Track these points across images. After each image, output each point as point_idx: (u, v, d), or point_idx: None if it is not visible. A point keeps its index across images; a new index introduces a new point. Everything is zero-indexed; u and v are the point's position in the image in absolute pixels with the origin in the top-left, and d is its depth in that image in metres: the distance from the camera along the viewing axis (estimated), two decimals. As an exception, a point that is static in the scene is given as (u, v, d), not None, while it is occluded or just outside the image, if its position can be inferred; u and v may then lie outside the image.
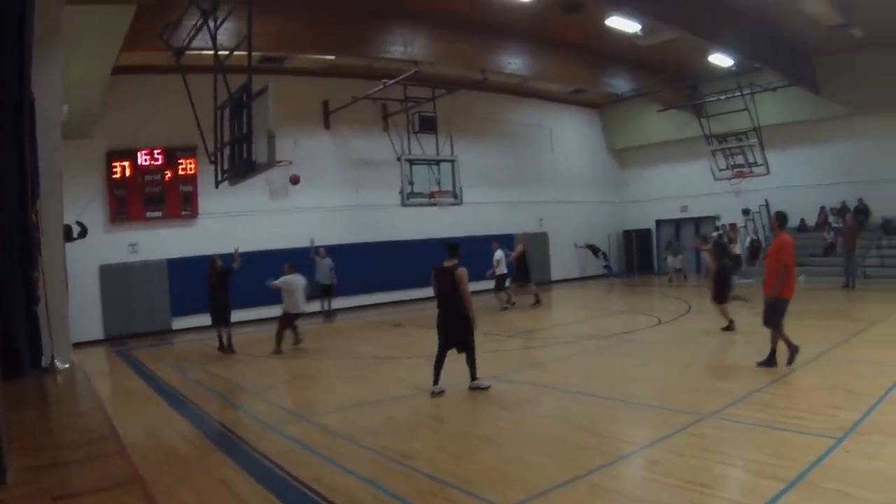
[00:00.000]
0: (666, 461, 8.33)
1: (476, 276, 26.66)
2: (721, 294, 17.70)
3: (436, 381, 12.77)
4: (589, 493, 7.57)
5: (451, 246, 13.16)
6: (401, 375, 15.03)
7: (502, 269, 24.73)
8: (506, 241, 32.62)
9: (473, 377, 12.89)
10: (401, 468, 8.70)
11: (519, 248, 25.04)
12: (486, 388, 12.76)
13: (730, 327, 17.38)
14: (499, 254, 24.73)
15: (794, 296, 12.83)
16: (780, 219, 13.21)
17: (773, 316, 12.74)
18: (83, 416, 11.46)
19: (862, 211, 29.82)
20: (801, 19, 23.42)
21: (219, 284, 18.66)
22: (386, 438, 10.09)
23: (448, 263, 12.81)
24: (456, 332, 12.74)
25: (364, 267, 28.02)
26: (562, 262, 36.53)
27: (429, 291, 26.41)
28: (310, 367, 16.60)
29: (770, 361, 12.72)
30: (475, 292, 13.78)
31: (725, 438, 9.08)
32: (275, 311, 22.44)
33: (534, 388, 13.00)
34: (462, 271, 12.62)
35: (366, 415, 11.81)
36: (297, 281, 18.61)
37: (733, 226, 25.93)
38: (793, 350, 12.59)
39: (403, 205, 25.05)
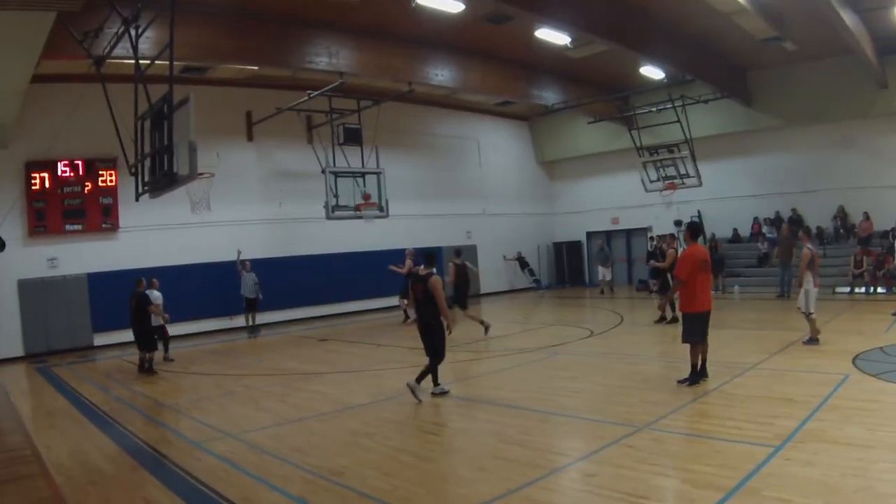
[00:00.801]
0: (602, 474, 8.41)
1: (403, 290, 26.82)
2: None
3: (435, 382, 13.38)
4: (524, 507, 7.64)
5: (429, 255, 13.79)
6: (327, 391, 15.01)
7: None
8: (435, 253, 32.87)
9: (435, 382, 13.38)
10: (330, 485, 8.71)
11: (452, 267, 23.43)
12: (446, 392, 13.27)
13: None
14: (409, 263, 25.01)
15: (707, 308, 12.73)
16: (692, 230, 13.31)
17: (686, 332, 12.84)
18: (2, 436, 11.33)
19: (796, 221, 30.20)
20: (734, 33, 23.84)
21: (137, 309, 18.35)
22: (314, 455, 10.10)
23: (423, 271, 13.35)
24: (430, 337, 13.19)
25: (289, 281, 27.87)
26: (490, 275, 36.43)
27: (355, 305, 26.25)
28: (235, 384, 16.42)
29: (693, 379, 12.66)
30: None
31: (662, 449, 9.19)
32: (196, 327, 22.47)
33: (464, 403, 13.04)
34: (436, 279, 12.98)
35: (293, 432, 11.79)
36: None
37: (671, 236, 26.12)
38: (694, 374, 12.70)
39: (328, 218, 24.92)
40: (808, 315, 16.29)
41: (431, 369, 13.26)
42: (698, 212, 33.70)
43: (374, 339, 22.51)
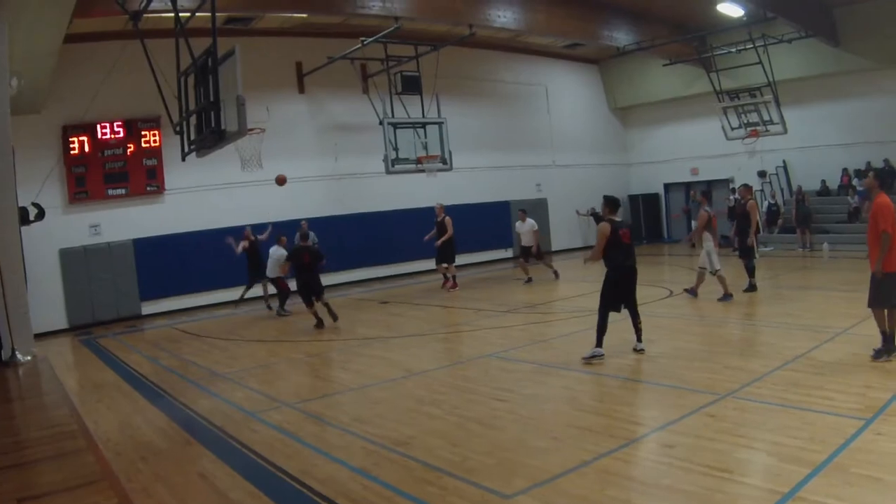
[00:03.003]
0: (682, 445, 8.33)
1: (473, 246, 26.81)
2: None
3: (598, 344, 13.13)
4: (599, 479, 7.58)
5: (611, 199, 13.41)
6: (390, 357, 15.05)
7: (529, 241, 24.98)
8: (500, 209, 32.68)
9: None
10: (394, 456, 8.75)
11: (449, 229, 24.42)
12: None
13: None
14: (529, 223, 25.02)
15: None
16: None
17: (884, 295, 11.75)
18: (49, 412, 11.52)
19: (889, 172, 28.92)
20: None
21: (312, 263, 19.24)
22: (377, 425, 10.15)
23: (617, 218, 13.20)
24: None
25: (347, 240, 27.85)
26: (563, 230, 36.32)
27: (417, 266, 26.14)
28: (291, 351, 16.58)
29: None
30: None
31: (745, 420, 9.07)
32: (251, 291, 22.67)
33: (536, 368, 12.99)
34: (603, 226, 12.99)
35: (354, 400, 11.85)
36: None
37: (745, 187, 25.40)
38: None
39: (388, 172, 24.73)
40: (715, 273, 18.18)
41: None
42: (784, 162, 33.24)
43: (438, 301, 22.61)
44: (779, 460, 7.57)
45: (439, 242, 24.22)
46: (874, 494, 6.56)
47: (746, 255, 19.41)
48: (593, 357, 12.78)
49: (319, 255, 19.57)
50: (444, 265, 24.81)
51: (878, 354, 11.20)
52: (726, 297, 18.16)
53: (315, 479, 8.13)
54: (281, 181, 22.36)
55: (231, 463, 8.97)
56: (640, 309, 13.30)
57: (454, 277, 24.68)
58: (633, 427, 9.36)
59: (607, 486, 7.41)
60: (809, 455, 7.53)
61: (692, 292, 18.96)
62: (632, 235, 13.12)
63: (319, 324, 18.94)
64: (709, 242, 18.28)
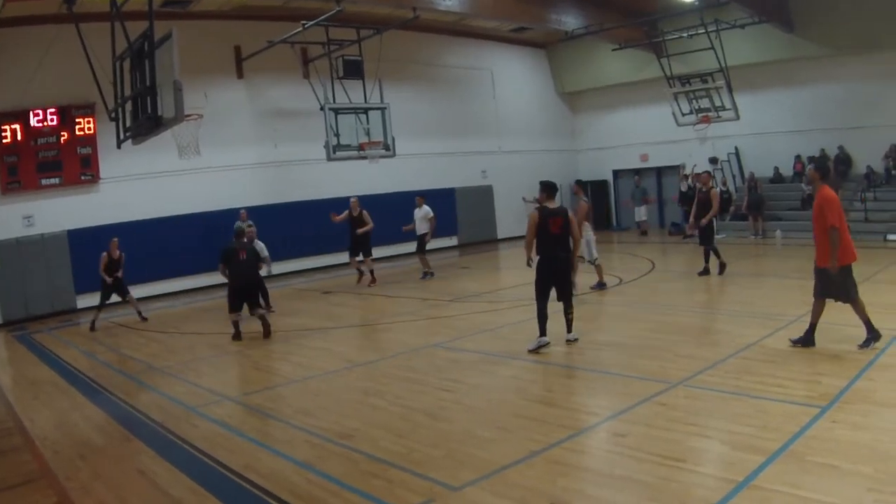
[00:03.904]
0: (634, 434, 8.46)
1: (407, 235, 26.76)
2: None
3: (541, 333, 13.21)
4: (549, 470, 7.70)
5: (550, 185, 13.44)
6: (333, 348, 15.13)
7: (424, 229, 24.55)
8: (445, 196, 32.71)
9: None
10: (339, 449, 8.82)
11: (368, 222, 23.78)
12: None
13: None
14: (425, 210, 24.55)
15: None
16: (823, 170, 12.49)
17: (840, 288, 11.77)
18: (-18, 409, 11.46)
19: (843, 160, 29.71)
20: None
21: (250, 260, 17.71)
22: (321, 417, 10.22)
23: (553, 204, 13.22)
24: (568, 276, 13.41)
25: (287, 229, 27.64)
26: (509, 217, 36.19)
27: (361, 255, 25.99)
28: (231, 344, 16.51)
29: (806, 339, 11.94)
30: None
31: (698, 408, 9.22)
32: (189, 283, 22.57)
33: (483, 357, 13.12)
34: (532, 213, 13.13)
35: (297, 392, 11.90)
36: None
37: (707, 174, 25.39)
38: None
39: (329, 159, 24.70)
40: (593, 262, 19.03)
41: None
42: (735, 148, 33.57)
43: (382, 291, 22.60)
44: (733, 448, 7.73)
45: (360, 231, 23.61)
46: (831, 482, 6.70)
47: (708, 240, 19.91)
48: (539, 347, 12.89)
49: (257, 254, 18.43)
50: (360, 259, 24.40)
51: (796, 342, 11.67)
52: (600, 285, 19.16)
53: (258, 474, 8.18)
54: None
55: (171, 459, 8.98)
56: (590, 296, 13.42)
57: (372, 272, 24.20)
58: (584, 416, 9.51)
59: (558, 476, 7.53)
60: (764, 443, 7.68)
61: (601, 285, 19.27)
62: (566, 224, 13.02)
63: (237, 335, 16.95)
64: (588, 232, 18.76)
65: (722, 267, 19.80)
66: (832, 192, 11.46)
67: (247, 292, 17.27)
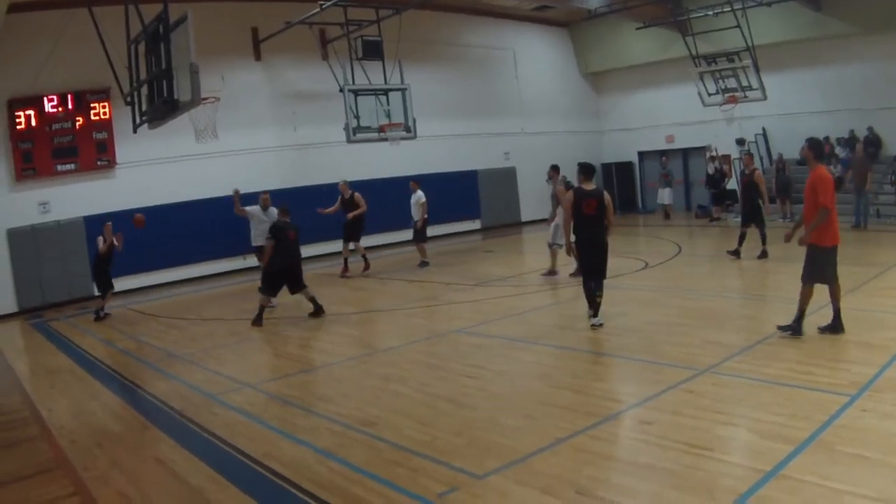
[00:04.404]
0: (660, 421, 8.40)
1: (439, 217, 26.63)
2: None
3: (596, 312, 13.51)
4: (575, 458, 7.64)
5: (587, 166, 13.70)
6: (354, 334, 15.17)
7: (416, 215, 24.06)
8: (467, 179, 32.65)
9: (596, 312, 13.62)
10: (361, 437, 8.80)
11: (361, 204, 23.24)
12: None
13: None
14: (417, 195, 24.13)
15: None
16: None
17: (816, 270, 11.68)
18: (-1, 398, 11.48)
19: (873, 142, 29.35)
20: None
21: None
22: (342, 404, 10.20)
23: (589, 186, 13.41)
24: (603, 256, 13.61)
25: (308, 213, 27.51)
26: (532, 200, 35.98)
27: (384, 238, 26.11)
28: (252, 330, 16.44)
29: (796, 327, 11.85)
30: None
31: (725, 395, 9.15)
32: (207, 268, 22.56)
33: (507, 343, 13.10)
34: (567, 194, 13.77)
35: (318, 379, 11.93)
36: None
37: (726, 157, 25.18)
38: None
39: (349, 141, 24.59)
40: (551, 246, 19.39)
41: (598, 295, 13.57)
42: (763, 129, 33.14)
43: (404, 275, 22.64)
44: (761, 437, 7.63)
45: (351, 215, 23.16)
46: (861, 472, 6.61)
47: (760, 222, 20.01)
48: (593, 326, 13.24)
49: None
50: (351, 245, 23.73)
51: (785, 329, 11.57)
52: (550, 273, 19.59)
53: (279, 462, 8.16)
54: (139, 221, 21.12)
55: (190, 447, 8.98)
56: (615, 280, 13.42)
57: (365, 257, 23.87)
58: (609, 404, 9.41)
59: (583, 464, 7.46)
60: (792, 432, 7.59)
61: (551, 273, 19.65)
62: (601, 206, 13.14)
63: (258, 321, 16.64)
64: (560, 217, 18.27)
65: (763, 253, 19.55)
66: (826, 172, 11.55)
67: (293, 273, 16.94)
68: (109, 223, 19.73)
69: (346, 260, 23.92)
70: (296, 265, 17.02)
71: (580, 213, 13.08)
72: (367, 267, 23.70)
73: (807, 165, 11.87)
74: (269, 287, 16.94)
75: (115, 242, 19.19)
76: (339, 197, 23.62)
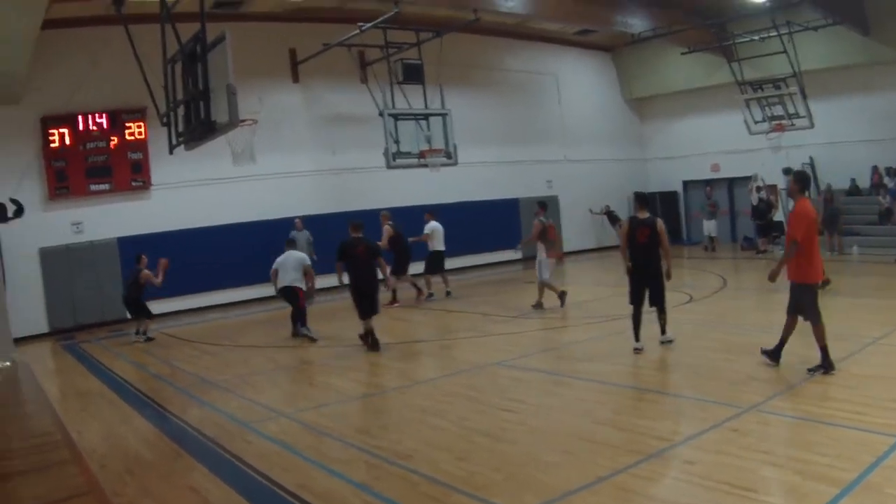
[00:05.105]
0: (702, 461, 8.33)
1: (479, 247, 26.59)
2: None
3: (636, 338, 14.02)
4: (615, 497, 7.60)
5: (643, 196, 14.77)
6: (392, 364, 15.13)
7: (437, 245, 24.04)
8: (509, 207, 32.62)
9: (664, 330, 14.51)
10: (397, 470, 8.78)
11: (388, 230, 23.14)
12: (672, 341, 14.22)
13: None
14: (432, 225, 24.11)
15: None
16: (801, 181, 12.40)
17: (804, 307, 11.98)
18: (30, 420, 11.52)
19: None
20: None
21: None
22: (379, 437, 10.18)
23: (643, 214, 14.21)
24: (658, 281, 14.28)
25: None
26: (575, 230, 35.96)
27: (422, 267, 26.11)
28: (289, 357, 16.62)
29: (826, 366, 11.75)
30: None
31: (770, 435, 9.08)
32: (243, 294, 22.60)
33: (547, 377, 13.11)
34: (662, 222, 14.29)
35: (355, 410, 11.92)
36: None
37: (773, 188, 24.96)
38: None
39: (389, 167, 24.47)
40: (540, 282, 20.24)
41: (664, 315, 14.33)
42: (810, 158, 32.55)
43: (443, 306, 22.58)
44: (805, 479, 7.54)
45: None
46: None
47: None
48: (635, 350, 13.75)
49: (376, 249, 17.32)
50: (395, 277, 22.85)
51: (766, 353, 12.22)
52: (537, 305, 20.30)
53: (313, 494, 8.15)
54: (164, 266, 20.18)
55: (224, 476, 8.99)
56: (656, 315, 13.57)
57: (395, 291, 23.32)
58: (652, 441, 9.30)
59: (624, 503, 7.43)
60: (838, 473, 7.51)
61: (538, 306, 20.33)
62: (653, 234, 13.80)
63: (374, 345, 16.20)
64: (541, 252, 20.24)
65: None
66: (809, 207, 11.69)
67: (363, 294, 16.28)
68: (166, 260, 19.82)
69: (415, 286, 23.90)
70: (363, 285, 16.38)
71: (634, 241, 13.78)
72: (420, 294, 23.71)
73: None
74: (357, 309, 16.38)
75: (159, 279, 19.37)
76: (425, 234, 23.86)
